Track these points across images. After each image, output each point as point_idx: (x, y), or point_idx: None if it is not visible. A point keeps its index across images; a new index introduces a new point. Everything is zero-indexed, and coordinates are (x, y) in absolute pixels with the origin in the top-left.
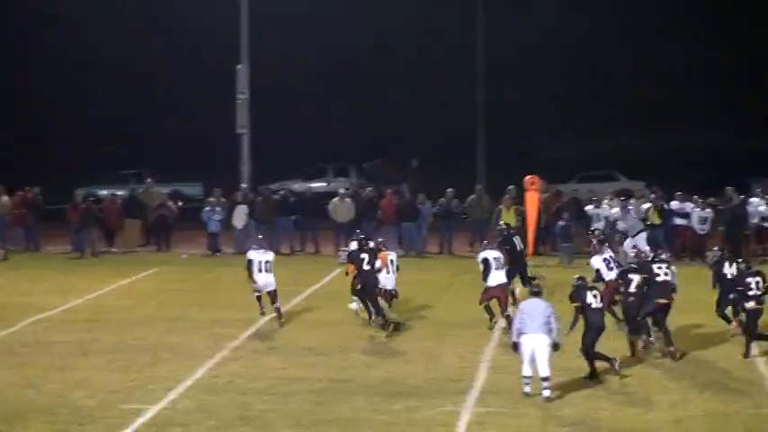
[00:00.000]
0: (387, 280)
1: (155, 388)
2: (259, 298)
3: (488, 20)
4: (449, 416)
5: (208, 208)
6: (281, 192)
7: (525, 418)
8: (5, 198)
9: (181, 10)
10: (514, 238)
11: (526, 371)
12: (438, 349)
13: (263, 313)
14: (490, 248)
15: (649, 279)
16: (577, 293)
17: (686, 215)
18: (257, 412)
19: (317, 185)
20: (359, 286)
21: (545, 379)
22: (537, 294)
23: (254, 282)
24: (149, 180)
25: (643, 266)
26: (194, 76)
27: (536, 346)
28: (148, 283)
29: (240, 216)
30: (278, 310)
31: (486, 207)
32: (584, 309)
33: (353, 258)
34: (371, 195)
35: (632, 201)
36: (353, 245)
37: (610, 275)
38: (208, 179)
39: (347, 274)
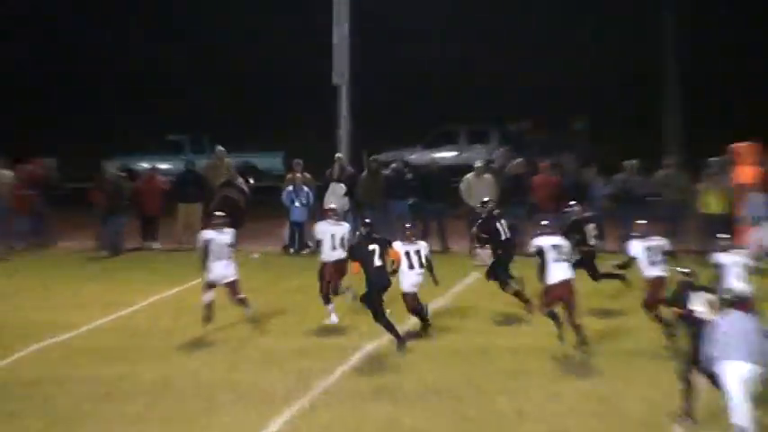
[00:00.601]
0: (413, 278)
1: None
2: (208, 305)
3: None
4: None
5: (290, 188)
6: (393, 165)
7: None
8: (7, 173)
9: None
10: (498, 223)
11: (741, 417)
12: (614, 390)
13: (207, 318)
14: (547, 234)
15: None
16: None
17: None
18: None
19: (445, 156)
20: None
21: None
22: (738, 305)
23: (208, 271)
24: (220, 148)
25: None
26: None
27: (744, 379)
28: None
29: (336, 198)
30: (241, 301)
31: (682, 186)
32: None
33: (358, 252)
34: (520, 170)
35: None
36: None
37: None
38: (292, 147)
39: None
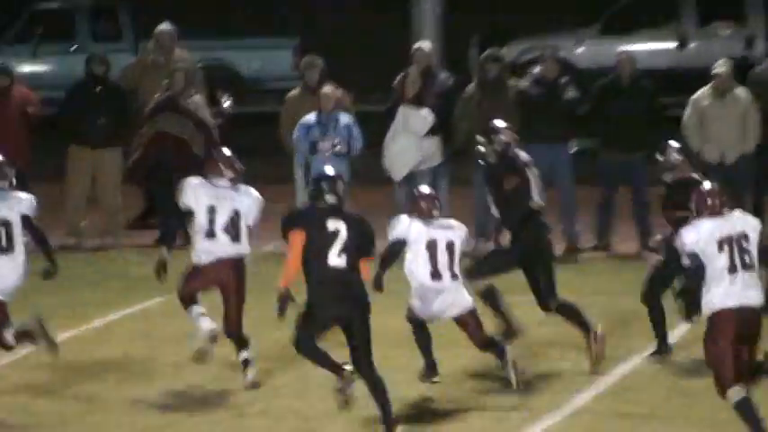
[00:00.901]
0: (434, 296)
1: None
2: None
3: None
4: None
5: (310, 117)
6: (536, 69)
7: None
8: None
9: None
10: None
11: None
12: None
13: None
14: (706, 214)
15: None
16: None
17: None
18: None
19: (648, 49)
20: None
21: None
22: None
23: None
24: (163, 29)
25: None
26: None
27: None
28: (114, 346)
29: (411, 140)
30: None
31: None
32: None
33: (301, 221)
34: None
35: None
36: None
37: None
38: (311, 32)
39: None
